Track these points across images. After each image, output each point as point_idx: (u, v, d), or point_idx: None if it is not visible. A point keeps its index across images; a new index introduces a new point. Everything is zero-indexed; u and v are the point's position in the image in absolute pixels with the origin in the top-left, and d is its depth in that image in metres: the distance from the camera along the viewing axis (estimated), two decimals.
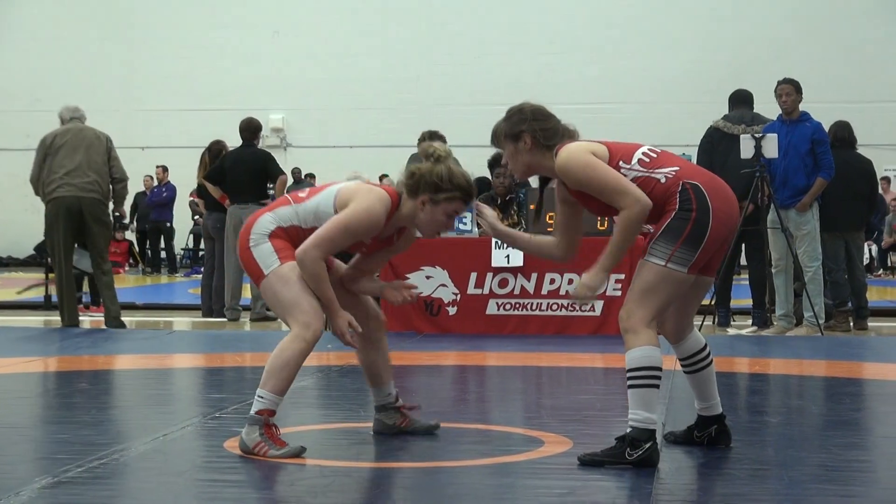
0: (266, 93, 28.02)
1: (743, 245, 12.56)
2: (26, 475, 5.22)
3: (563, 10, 28.12)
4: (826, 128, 12.36)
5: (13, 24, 29.54)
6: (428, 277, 11.97)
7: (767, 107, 12.69)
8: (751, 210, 12.06)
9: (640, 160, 5.63)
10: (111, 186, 12.75)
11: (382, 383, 6.29)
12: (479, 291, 11.94)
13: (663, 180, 5.57)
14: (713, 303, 12.65)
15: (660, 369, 5.52)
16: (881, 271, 24.89)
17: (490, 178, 13.03)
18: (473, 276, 11.93)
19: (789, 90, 12.13)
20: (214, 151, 14.31)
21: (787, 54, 25.31)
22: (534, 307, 11.84)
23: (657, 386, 5.54)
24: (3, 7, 29.69)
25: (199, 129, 23.02)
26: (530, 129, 5.69)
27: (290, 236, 5.81)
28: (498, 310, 11.90)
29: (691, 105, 24.82)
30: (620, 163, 5.62)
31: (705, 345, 5.90)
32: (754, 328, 12.37)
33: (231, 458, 5.65)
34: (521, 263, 11.75)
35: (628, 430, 5.48)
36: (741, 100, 12.93)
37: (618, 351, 10.40)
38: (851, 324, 12.63)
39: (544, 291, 11.80)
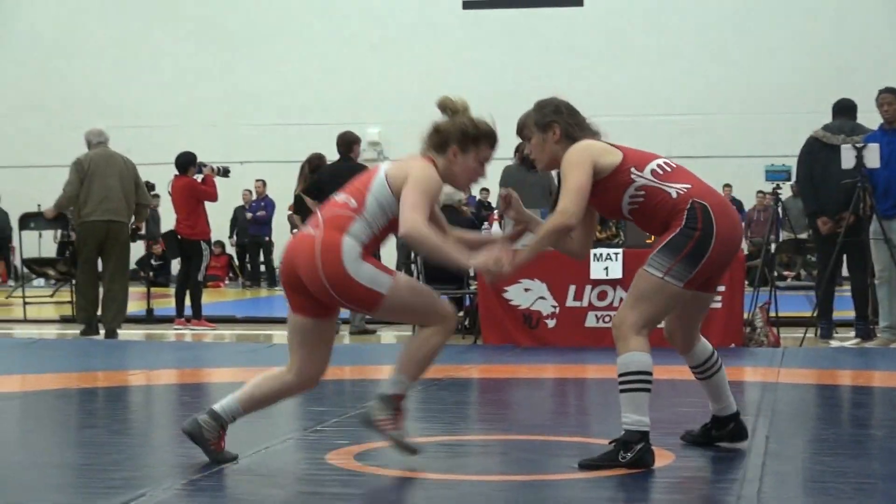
0: (363, 107, 28.14)
1: (845, 256, 12.40)
2: (133, 485, 5.28)
3: (650, 22, 28.01)
4: None
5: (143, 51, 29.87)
6: (526, 290, 11.96)
7: (869, 116, 12.53)
8: (853, 221, 11.93)
9: (653, 171, 5.85)
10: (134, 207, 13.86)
11: (245, 411, 5.89)
12: (578, 304, 11.92)
13: (674, 195, 5.75)
14: (815, 315, 12.53)
15: (650, 374, 5.72)
16: None
17: None
18: (572, 288, 11.91)
19: (891, 99, 11.98)
20: (314, 164, 14.39)
21: (889, 63, 25.01)
22: None
23: (648, 389, 5.73)
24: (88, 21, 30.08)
25: (297, 144, 23.14)
26: (561, 122, 5.91)
27: (369, 250, 5.66)
28: (597, 322, 11.86)
29: (792, 116, 24.62)
30: (632, 169, 5.83)
31: (713, 352, 6.15)
32: (857, 340, 12.22)
33: (333, 470, 5.67)
34: (619, 276, 11.71)
35: (622, 433, 5.62)
36: (843, 109, 12.79)
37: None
38: None
39: None
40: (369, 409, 5.70)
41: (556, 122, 5.91)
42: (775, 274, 22.72)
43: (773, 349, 11.53)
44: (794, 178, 13.06)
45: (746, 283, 12.29)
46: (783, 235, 24.12)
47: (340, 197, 5.72)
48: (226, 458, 5.76)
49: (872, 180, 11.87)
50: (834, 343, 12.26)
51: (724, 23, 27.64)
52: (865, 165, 11.67)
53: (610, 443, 5.72)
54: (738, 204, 25.80)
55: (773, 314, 12.32)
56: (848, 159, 11.70)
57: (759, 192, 23.79)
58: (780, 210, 15.45)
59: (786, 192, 14.88)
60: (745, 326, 11.88)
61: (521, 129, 6.05)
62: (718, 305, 11.54)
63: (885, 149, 11.75)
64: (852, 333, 12.50)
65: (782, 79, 26.82)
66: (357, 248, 5.57)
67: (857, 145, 11.75)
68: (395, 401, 5.69)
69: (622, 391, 5.73)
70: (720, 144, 26.59)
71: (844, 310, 13.08)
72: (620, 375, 5.75)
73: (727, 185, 25.87)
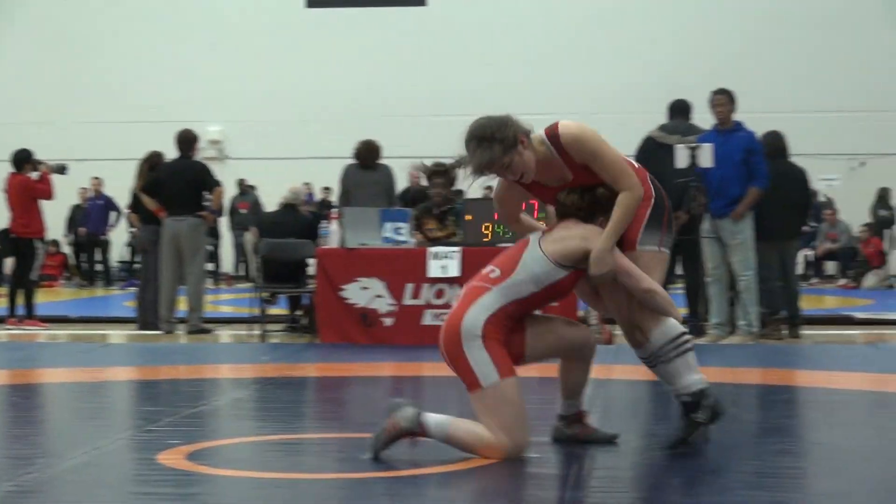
0: (204, 105, 27.86)
1: (678, 255, 12.61)
2: None
3: (502, 22, 28.16)
4: (760, 138, 12.46)
5: None
6: (364, 288, 11.96)
7: (704, 116, 12.76)
8: (686, 220, 12.14)
9: None
10: None
11: (576, 396, 6.17)
12: (415, 302, 11.94)
13: (637, 165, 5.96)
14: None
15: (687, 332, 5.97)
16: (815, 280, 25.09)
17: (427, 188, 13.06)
18: (410, 286, 11.93)
19: (723, 100, 12.22)
20: (152, 163, 14.23)
21: (723, 66, 25.47)
22: None
23: (692, 347, 6.01)
24: None
25: (136, 142, 22.85)
26: (519, 130, 5.77)
27: (503, 322, 5.69)
28: (434, 320, 11.89)
29: (628, 116, 24.93)
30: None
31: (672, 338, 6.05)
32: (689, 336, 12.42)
33: (164, 470, 5.61)
34: (457, 274, 11.76)
35: (686, 399, 5.89)
36: (678, 110, 13.00)
37: (552, 360, 10.47)
38: (785, 332, 12.71)
39: None
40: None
41: (517, 133, 5.77)
42: None
43: (606, 346, 11.67)
44: None
45: None
46: None
47: (487, 268, 5.82)
48: (602, 436, 6.13)
49: (705, 180, 12.09)
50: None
51: (569, 24, 27.88)
52: (699, 165, 11.88)
53: (687, 414, 5.91)
54: None
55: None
56: (682, 159, 11.90)
57: None
58: None
59: None
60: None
61: (487, 168, 5.80)
62: (554, 303, 11.63)
63: (718, 149, 11.95)
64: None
65: (620, 79, 27.14)
66: (478, 324, 5.65)
67: (691, 145, 11.95)
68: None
69: (673, 358, 5.89)
70: None
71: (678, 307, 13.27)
72: (664, 346, 5.88)
73: None
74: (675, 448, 5.94)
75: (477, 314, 5.65)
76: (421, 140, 25.39)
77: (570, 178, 5.91)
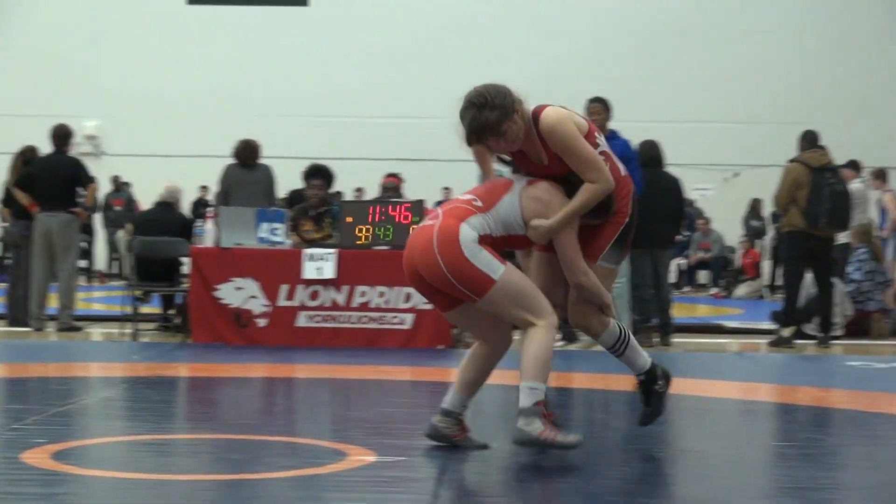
0: (80, 99, 27.50)
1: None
2: None
3: (383, 24, 28.15)
4: (636, 147, 12.58)
5: None
6: (238, 289, 11.89)
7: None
8: None
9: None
10: None
11: (469, 394, 6.20)
12: (290, 303, 11.90)
13: (623, 174, 6.17)
14: None
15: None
16: (688, 288, 25.40)
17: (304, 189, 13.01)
18: (285, 287, 11.89)
19: (599, 108, 12.31)
20: (26, 157, 14.02)
21: (600, 74, 25.71)
22: (344, 320, 11.84)
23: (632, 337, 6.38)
24: None
25: (11, 136, 22.51)
26: (515, 99, 5.94)
27: (485, 241, 5.82)
28: (309, 322, 11.87)
29: None
30: (596, 134, 6.07)
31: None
32: (563, 343, 12.53)
33: (29, 469, 5.53)
34: (332, 276, 11.75)
35: (642, 378, 6.35)
36: None
37: (426, 364, 10.52)
38: (656, 340, 12.86)
39: (355, 304, 11.81)
40: (520, 430, 5.77)
41: (514, 101, 5.93)
42: None
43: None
44: None
45: None
46: None
47: (468, 195, 5.95)
48: (474, 443, 6.10)
49: None
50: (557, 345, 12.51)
51: (447, 26, 27.93)
52: None
53: (643, 399, 6.36)
54: None
55: None
56: None
57: None
58: None
59: None
60: (454, 328, 12.04)
61: (486, 132, 5.93)
62: (430, 307, 11.69)
63: None
64: (558, 336, 12.79)
65: (508, 79, 27.22)
66: (474, 235, 5.77)
67: None
68: (539, 407, 5.80)
69: (624, 351, 6.29)
70: (441, 148, 26.85)
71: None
72: (614, 344, 6.29)
73: (446, 188, 26.22)
74: (649, 423, 6.39)
75: (469, 230, 5.78)
76: (301, 140, 25.37)
77: (545, 161, 6.01)
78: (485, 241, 5.81)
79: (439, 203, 12.06)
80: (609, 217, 6.03)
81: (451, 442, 6.10)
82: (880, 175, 17.80)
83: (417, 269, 5.87)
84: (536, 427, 5.76)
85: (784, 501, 5.38)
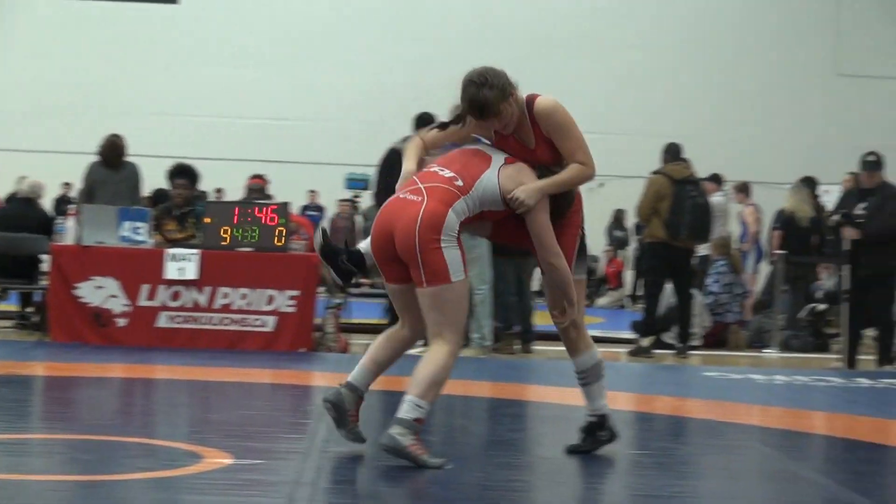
0: None
1: None
2: None
3: (246, 24, 27.95)
4: None
5: None
6: (98, 288, 11.74)
7: None
8: None
9: None
10: None
11: (375, 374, 6.39)
12: (150, 303, 11.78)
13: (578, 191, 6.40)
14: (390, 323, 12.82)
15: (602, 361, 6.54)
16: None
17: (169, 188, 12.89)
18: (146, 287, 11.76)
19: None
20: None
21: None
22: (206, 321, 11.75)
23: (605, 375, 6.56)
24: None
25: None
26: (512, 84, 6.17)
27: (463, 224, 6.00)
28: (170, 322, 11.76)
29: (376, 125, 25.06)
30: None
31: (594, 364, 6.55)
32: (424, 349, 12.53)
33: None
34: (195, 276, 11.65)
35: (592, 419, 6.46)
36: (423, 122, 13.10)
37: (287, 367, 10.48)
38: (518, 347, 12.94)
39: (217, 305, 11.73)
40: (391, 436, 5.83)
41: (509, 84, 6.13)
42: (352, 280, 23.14)
43: (341, 355, 11.72)
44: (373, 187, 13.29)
45: (320, 288, 12.43)
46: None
47: (446, 172, 6.01)
48: (359, 436, 6.17)
49: None
50: (414, 351, 12.50)
51: (313, 29, 27.81)
52: None
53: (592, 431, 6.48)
54: (322, 210, 26.10)
55: (345, 320, 12.53)
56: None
57: (341, 199, 24.06)
58: (360, 218, 15.67)
59: (367, 200, 15.09)
60: (316, 331, 12.02)
61: (484, 110, 6.07)
62: (292, 310, 11.67)
63: None
64: (421, 342, 12.79)
65: (368, 87, 27.21)
66: (456, 227, 5.93)
67: (430, 158, 12.00)
68: (418, 424, 5.91)
69: (592, 382, 6.45)
70: (306, 150, 26.77)
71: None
72: (588, 370, 6.45)
73: (312, 191, 26.15)
74: (573, 453, 6.47)
75: (454, 217, 5.93)
76: (167, 138, 25.11)
77: (532, 145, 6.20)
78: (463, 221, 5.99)
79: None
80: (563, 217, 6.21)
81: (344, 419, 6.19)
82: (743, 189, 18.11)
83: (392, 235, 5.96)
84: (409, 440, 5.85)
85: None
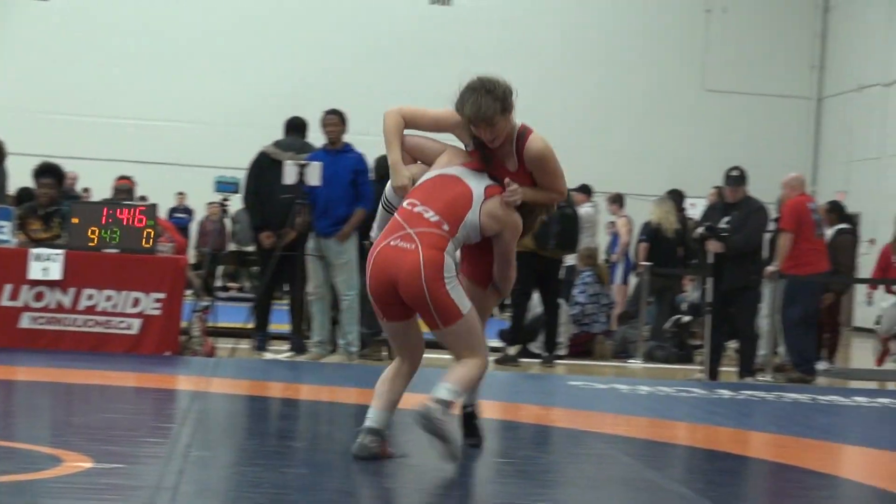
0: None
1: (283, 271, 12.66)
2: None
3: (116, 25, 27.62)
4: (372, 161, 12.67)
5: None
6: None
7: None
8: (294, 237, 12.24)
9: None
10: None
11: (392, 412, 6.62)
12: (13, 304, 11.57)
13: None
14: (254, 326, 12.76)
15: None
16: None
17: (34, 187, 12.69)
18: (8, 287, 11.56)
19: (335, 120, 12.35)
20: None
21: (340, 86, 25.81)
22: (69, 322, 11.58)
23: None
24: None
25: None
26: (513, 104, 6.47)
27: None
28: (32, 323, 11.57)
29: (248, 129, 24.92)
30: None
31: None
32: (291, 353, 12.52)
33: None
34: (59, 277, 11.48)
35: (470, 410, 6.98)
36: (294, 127, 13.09)
37: (152, 371, 10.37)
38: (385, 353, 12.94)
39: (81, 307, 11.56)
40: (431, 408, 6.15)
41: (512, 104, 6.43)
42: (219, 284, 23.01)
43: (207, 358, 11.64)
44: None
45: (188, 291, 12.33)
46: (232, 247, 24.42)
47: (430, 214, 6.27)
48: (395, 454, 6.51)
49: (312, 198, 12.18)
50: (268, 355, 12.48)
51: (182, 33, 27.56)
52: (307, 183, 11.94)
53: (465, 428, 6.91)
54: (191, 213, 25.90)
55: (212, 324, 12.44)
56: (290, 175, 11.93)
57: (210, 202, 23.90)
58: (229, 221, 15.62)
59: (237, 204, 15.01)
60: (182, 334, 11.92)
61: (488, 120, 6.34)
62: (158, 312, 11.56)
63: (327, 168, 12.04)
64: (287, 346, 12.78)
65: (238, 91, 27.05)
66: (454, 268, 6.29)
67: (300, 163, 11.99)
68: (450, 407, 6.26)
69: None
70: (176, 152, 26.55)
71: (281, 323, 13.34)
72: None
73: (181, 194, 25.93)
74: (478, 446, 6.88)
75: (450, 259, 6.27)
76: (33, 137, 24.70)
77: (513, 169, 6.51)
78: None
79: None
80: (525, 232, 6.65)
81: (376, 457, 6.42)
82: (617, 200, 18.30)
83: (391, 283, 6.21)
84: (446, 419, 6.19)
85: None
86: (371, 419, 6.45)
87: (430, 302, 6.20)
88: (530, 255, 13.22)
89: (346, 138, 12.48)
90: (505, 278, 6.73)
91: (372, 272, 6.29)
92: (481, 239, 6.41)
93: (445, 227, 6.26)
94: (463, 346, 6.36)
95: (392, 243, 6.23)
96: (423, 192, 6.39)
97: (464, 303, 6.28)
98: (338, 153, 12.32)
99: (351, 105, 13.19)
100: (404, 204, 6.38)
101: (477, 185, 6.41)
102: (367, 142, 12.78)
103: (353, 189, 12.22)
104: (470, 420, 6.99)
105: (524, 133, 6.48)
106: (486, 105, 6.30)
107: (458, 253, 6.55)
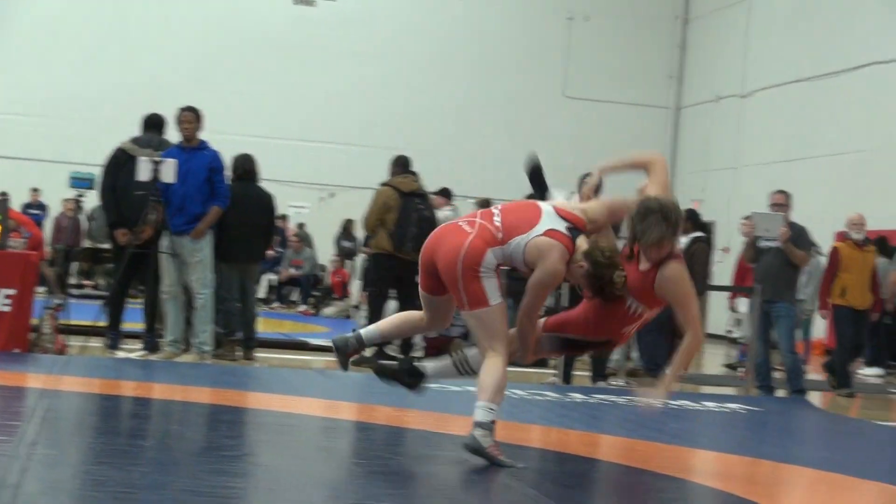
0: None
1: (138, 269, 12.50)
2: None
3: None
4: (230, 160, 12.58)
5: None
6: None
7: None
8: (149, 234, 12.10)
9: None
10: None
11: (383, 341, 7.98)
12: None
13: None
14: (104, 325, 12.59)
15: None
16: (277, 304, 25.46)
17: None
18: None
19: (191, 118, 12.24)
20: None
21: (200, 84, 25.62)
22: None
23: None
24: None
25: None
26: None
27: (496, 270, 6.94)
28: None
29: (99, 124, 24.60)
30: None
31: None
32: (144, 352, 12.36)
33: None
34: None
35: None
36: (152, 124, 12.94)
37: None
38: (240, 353, 12.85)
39: None
40: (473, 437, 6.76)
41: (678, 230, 6.94)
42: (73, 281, 22.65)
43: (57, 356, 11.45)
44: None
45: (41, 287, 12.14)
46: (87, 243, 24.08)
47: (497, 219, 6.98)
48: (366, 357, 7.78)
49: (167, 195, 12.05)
50: (120, 354, 12.32)
51: (39, 25, 27.06)
52: (161, 180, 11.80)
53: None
54: (45, 209, 25.48)
55: (64, 321, 12.25)
56: (144, 172, 11.77)
57: (66, 198, 23.53)
58: (83, 218, 15.37)
59: (93, 200, 14.81)
60: (32, 332, 11.71)
61: (660, 245, 6.80)
62: (8, 308, 11.35)
63: (182, 166, 11.92)
64: (140, 345, 12.61)
65: (95, 86, 26.61)
66: (494, 263, 6.87)
67: (155, 159, 11.85)
68: (493, 424, 6.81)
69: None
70: (32, 147, 26.11)
71: (134, 322, 13.16)
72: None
73: (35, 190, 25.50)
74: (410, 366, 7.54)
75: (491, 257, 6.87)
76: None
77: (645, 269, 6.95)
78: (496, 266, 6.93)
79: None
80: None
81: (346, 361, 7.58)
82: (484, 205, 18.27)
83: (436, 259, 6.96)
84: (488, 441, 6.76)
85: None
86: (364, 329, 7.49)
87: (461, 282, 6.84)
88: (387, 256, 13.23)
89: (203, 136, 12.37)
90: (524, 317, 7.11)
91: (428, 240, 7.10)
92: (524, 265, 6.90)
93: (499, 235, 6.90)
94: (483, 335, 6.94)
95: (459, 223, 7.06)
96: (508, 205, 7.20)
97: (494, 295, 6.85)
98: (193, 150, 12.21)
99: (208, 103, 13.07)
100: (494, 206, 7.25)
101: (547, 223, 6.97)
102: (223, 140, 12.71)
103: (209, 187, 12.12)
104: (408, 365, 7.59)
105: (672, 255, 6.89)
106: (659, 233, 6.76)
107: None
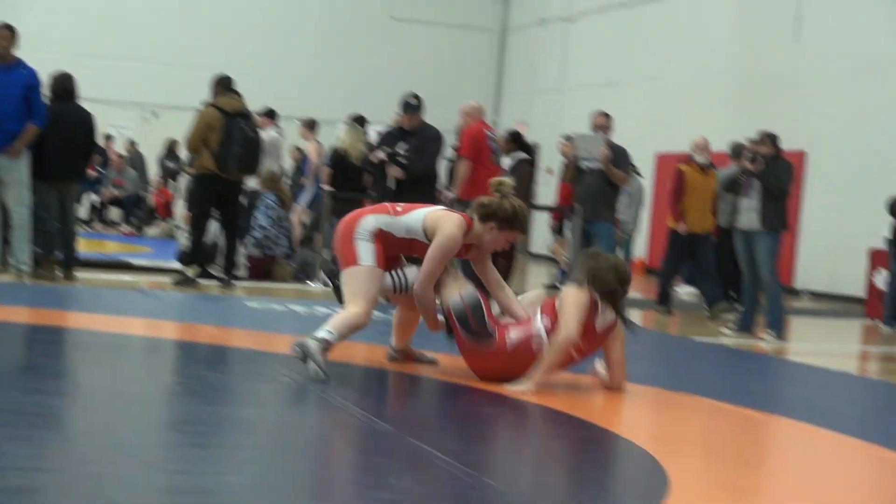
0: None
1: None
2: None
3: None
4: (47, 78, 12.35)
5: None
6: None
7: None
8: None
9: None
10: None
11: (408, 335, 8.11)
12: None
13: None
14: None
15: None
16: (99, 225, 25.13)
17: None
18: None
19: (6, 34, 11.98)
20: None
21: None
22: None
23: None
24: None
25: None
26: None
27: (382, 238, 7.36)
28: None
29: None
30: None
31: None
32: None
33: None
34: None
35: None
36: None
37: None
38: (60, 273, 12.69)
39: None
40: (305, 343, 7.00)
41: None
42: None
43: None
44: None
45: None
46: None
47: (399, 207, 7.53)
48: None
49: None
50: None
51: None
52: None
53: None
54: None
55: None
56: None
57: None
58: None
59: None
60: None
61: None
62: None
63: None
64: None
65: None
66: (373, 228, 7.36)
67: None
68: (327, 345, 7.05)
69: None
70: None
71: None
72: None
73: None
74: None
75: (372, 221, 7.39)
76: None
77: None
78: (385, 235, 7.36)
79: None
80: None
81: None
82: (310, 125, 18.21)
83: None
84: (316, 348, 6.97)
85: (165, 434, 5.51)
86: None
87: (337, 243, 7.40)
88: (211, 177, 13.15)
89: (20, 54, 12.13)
90: (422, 284, 7.47)
91: None
92: (425, 236, 7.34)
93: (398, 208, 7.47)
94: (349, 291, 7.30)
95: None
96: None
97: (364, 257, 7.30)
98: (8, 68, 11.97)
99: (25, 19, 12.80)
100: None
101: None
102: (42, 59, 12.48)
103: (25, 105, 11.90)
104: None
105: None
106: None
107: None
